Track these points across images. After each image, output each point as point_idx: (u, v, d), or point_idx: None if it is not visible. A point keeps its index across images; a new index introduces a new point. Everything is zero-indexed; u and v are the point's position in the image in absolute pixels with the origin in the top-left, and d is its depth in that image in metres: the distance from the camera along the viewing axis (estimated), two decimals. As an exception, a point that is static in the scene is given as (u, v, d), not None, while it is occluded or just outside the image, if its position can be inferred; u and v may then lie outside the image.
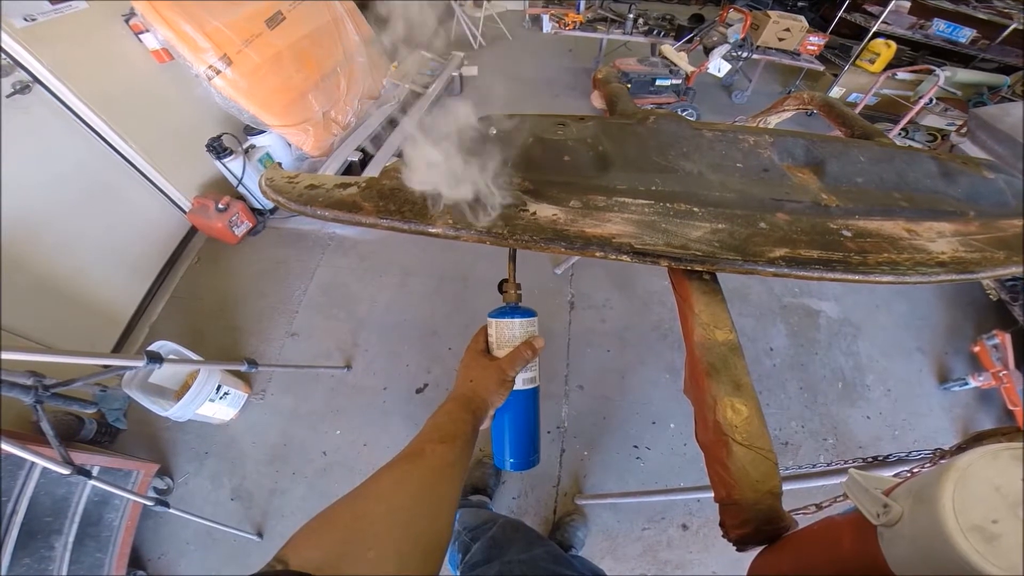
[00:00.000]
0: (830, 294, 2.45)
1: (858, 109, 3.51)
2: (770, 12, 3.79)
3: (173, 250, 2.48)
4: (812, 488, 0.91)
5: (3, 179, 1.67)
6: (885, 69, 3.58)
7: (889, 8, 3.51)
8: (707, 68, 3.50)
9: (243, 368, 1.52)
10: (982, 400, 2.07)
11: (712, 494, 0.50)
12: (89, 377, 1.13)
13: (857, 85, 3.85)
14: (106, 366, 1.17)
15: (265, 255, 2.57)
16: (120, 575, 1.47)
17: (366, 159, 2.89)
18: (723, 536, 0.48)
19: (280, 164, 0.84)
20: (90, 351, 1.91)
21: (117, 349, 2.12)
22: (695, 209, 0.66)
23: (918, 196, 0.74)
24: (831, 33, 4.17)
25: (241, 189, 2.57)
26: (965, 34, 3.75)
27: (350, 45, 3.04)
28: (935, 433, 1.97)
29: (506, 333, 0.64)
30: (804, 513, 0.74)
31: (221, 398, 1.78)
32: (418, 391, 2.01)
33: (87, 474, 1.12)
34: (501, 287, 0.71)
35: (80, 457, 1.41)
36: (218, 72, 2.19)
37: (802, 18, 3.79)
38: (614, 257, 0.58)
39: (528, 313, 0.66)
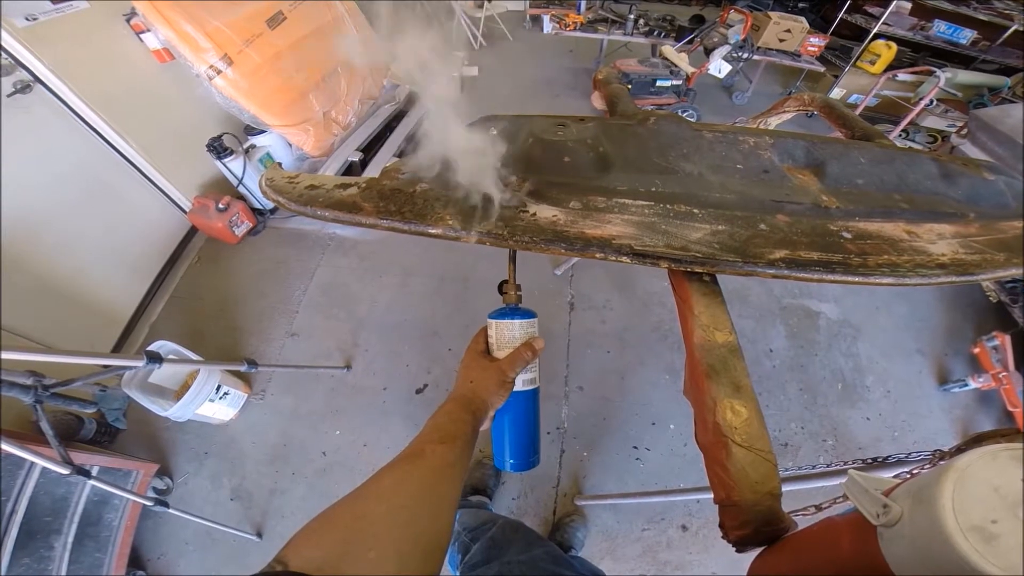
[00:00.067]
0: (830, 295, 2.45)
1: (858, 110, 3.51)
2: (771, 13, 3.80)
3: (173, 250, 2.48)
4: (812, 489, 0.91)
5: (3, 179, 1.67)
6: (885, 70, 3.58)
7: (890, 9, 3.52)
8: (708, 69, 3.51)
9: (243, 368, 1.52)
10: (982, 401, 2.07)
11: (712, 495, 0.50)
12: (89, 377, 1.13)
13: (858, 86, 3.85)
14: (106, 366, 1.17)
15: (265, 255, 2.57)
16: (119, 575, 1.47)
17: (366, 159, 2.89)
18: (722, 537, 0.48)
19: (280, 164, 0.84)
20: (90, 351, 1.91)
21: (117, 349, 2.12)
22: (695, 210, 0.66)
23: (918, 198, 0.74)
24: (832, 34, 4.18)
25: (241, 189, 2.57)
26: (966, 35, 3.76)
27: (350, 45, 3.04)
28: (935, 434, 1.97)
29: (506, 334, 0.64)
30: (804, 514, 0.75)
31: (221, 398, 1.78)
32: (418, 391, 2.01)
33: (86, 474, 1.12)
34: (501, 288, 0.71)
35: (80, 457, 1.41)
36: (219, 72, 2.19)
37: (803, 19, 3.79)
38: (614, 258, 0.58)
39: (528, 314, 0.66)
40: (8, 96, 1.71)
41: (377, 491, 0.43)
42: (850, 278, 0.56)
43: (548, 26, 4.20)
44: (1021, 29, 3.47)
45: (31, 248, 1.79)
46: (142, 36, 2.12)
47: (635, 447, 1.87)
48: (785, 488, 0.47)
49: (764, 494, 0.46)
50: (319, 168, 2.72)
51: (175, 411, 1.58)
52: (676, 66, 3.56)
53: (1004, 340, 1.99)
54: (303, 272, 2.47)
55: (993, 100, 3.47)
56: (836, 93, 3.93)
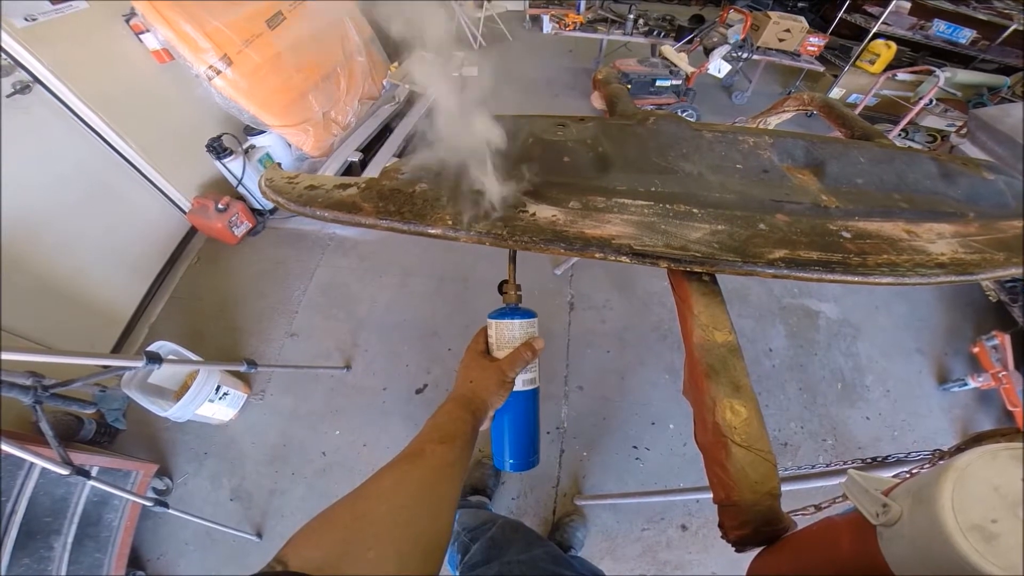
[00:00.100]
0: (829, 295, 2.46)
1: (858, 110, 3.51)
2: (770, 13, 3.79)
3: (173, 250, 2.48)
4: (811, 489, 0.91)
5: (3, 179, 1.67)
6: (885, 70, 3.58)
7: (889, 9, 3.52)
8: (707, 69, 3.50)
9: (242, 368, 1.52)
10: (981, 401, 2.07)
11: (711, 495, 0.50)
12: (88, 377, 1.13)
13: (857, 86, 3.85)
14: (105, 366, 1.17)
15: (265, 255, 2.57)
16: (119, 575, 1.47)
17: (366, 160, 2.89)
18: (722, 537, 0.48)
19: (280, 164, 0.84)
20: (89, 351, 1.91)
21: (116, 349, 2.12)
22: (695, 210, 0.66)
23: (918, 197, 0.74)
24: (831, 34, 4.17)
25: (241, 189, 2.57)
26: (965, 35, 3.76)
27: (350, 45, 3.04)
28: (934, 434, 1.97)
29: (506, 334, 0.64)
30: (803, 514, 0.75)
31: (220, 398, 1.78)
32: (418, 391, 2.01)
33: (86, 474, 1.12)
34: (501, 288, 0.71)
35: (79, 457, 1.41)
36: (218, 72, 2.19)
37: (802, 19, 3.79)
38: (613, 258, 0.58)
39: (528, 314, 0.66)
40: (7, 97, 1.70)
41: (377, 491, 0.43)
42: (849, 278, 0.56)
43: (548, 26, 4.20)
44: (1020, 28, 3.47)
45: (31, 248, 1.79)
46: (141, 36, 2.12)
47: (635, 447, 1.87)
48: (784, 488, 0.47)
49: (763, 494, 0.46)
50: (319, 168, 2.72)
51: (175, 411, 1.58)
52: (676, 66, 3.56)
53: (1004, 339, 1.99)
54: (303, 272, 2.47)
55: (992, 99, 3.47)
56: (836, 93, 3.93)
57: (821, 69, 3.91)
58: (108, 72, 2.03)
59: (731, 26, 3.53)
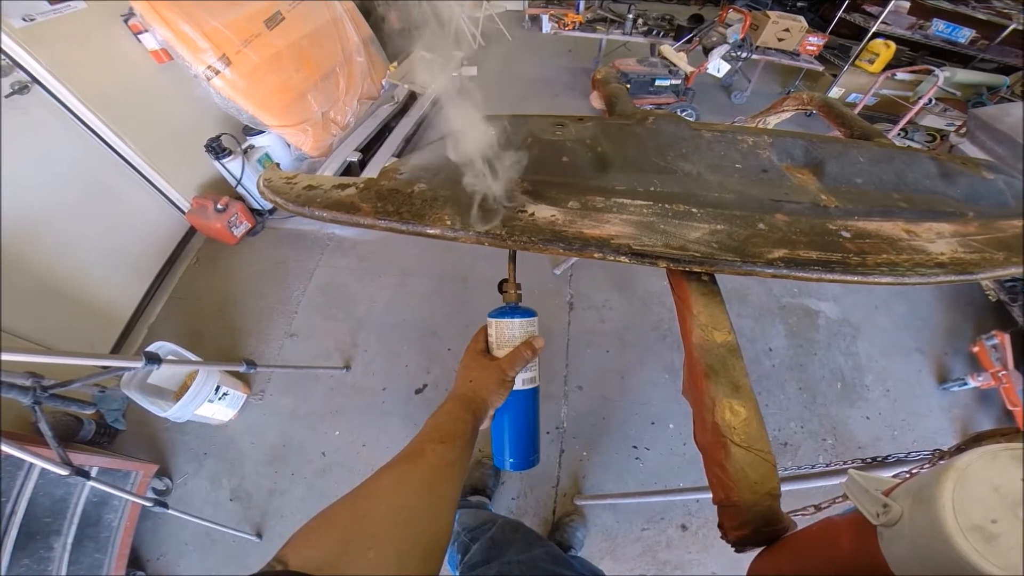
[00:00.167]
0: (829, 294, 2.46)
1: (857, 109, 3.51)
2: (769, 12, 3.80)
3: (172, 250, 2.48)
4: (811, 489, 0.91)
5: (3, 179, 1.67)
6: (884, 69, 3.58)
7: (888, 8, 3.51)
8: (706, 68, 3.50)
9: (242, 369, 1.52)
10: (981, 400, 2.08)
11: (711, 495, 0.50)
12: (88, 378, 1.13)
13: (856, 85, 3.85)
14: (105, 367, 1.17)
15: (264, 255, 2.57)
16: (119, 575, 1.47)
17: (365, 160, 2.89)
18: (722, 537, 0.48)
19: (278, 165, 0.84)
20: (89, 352, 1.92)
21: (116, 350, 2.12)
22: (694, 210, 0.66)
23: (917, 197, 0.74)
24: (830, 33, 4.17)
25: (240, 189, 2.57)
26: (964, 34, 3.76)
27: (349, 45, 3.04)
28: (934, 433, 1.97)
29: (506, 333, 0.64)
30: (803, 514, 0.75)
31: (220, 399, 1.78)
32: (417, 392, 2.01)
33: (86, 475, 1.12)
34: (501, 287, 0.71)
35: (79, 458, 1.41)
36: (217, 72, 2.19)
37: (801, 18, 3.79)
38: (612, 258, 0.58)
39: (528, 313, 0.66)
40: (6, 97, 1.70)
41: (377, 490, 0.43)
42: (849, 277, 0.56)
43: (547, 26, 4.20)
44: (1020, 28, 3.47)
45: (30, 248, 1.79)
46: (140, 36, 2.12)
47: (635, 447, 1.87)
48: (784, 488, 0.47)
49: (763, 494, 0.46)
50: (317, 168, 2.72)
51: (174, 412, 1.58)
52: (675, 65, 3.56)
53: (1003, 339, 1.99)
54: (302, 272, 2.47)
55: (992, 99, 3.47)
56: (835, 92, 3.93)
57: (820, 68, 3.91)
58: (107, 72, 2.03)
59: (730, 25, 3.53)
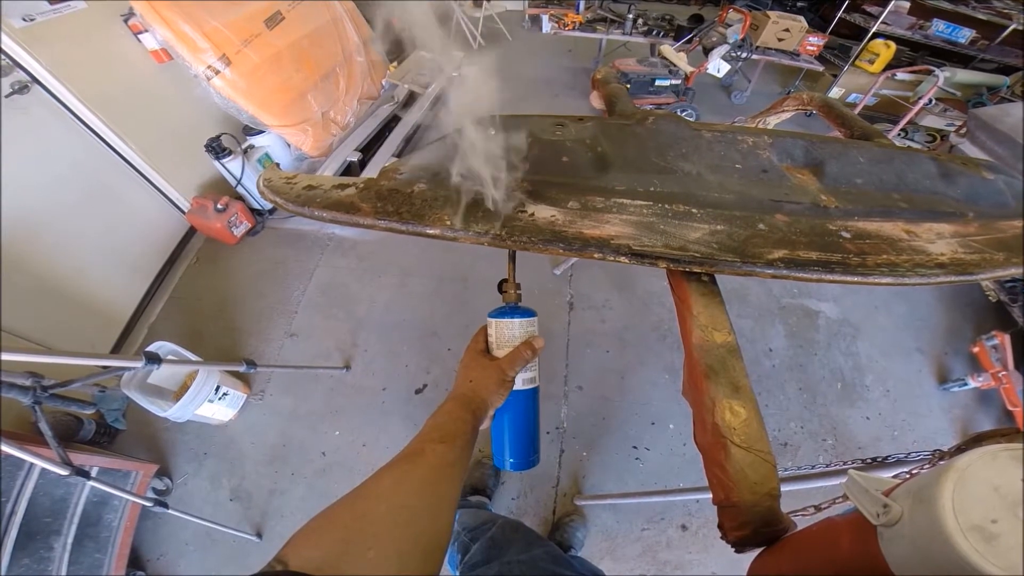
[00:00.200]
0: (829, 295, 2.46)
1: (857, 110, 3.51)
2: (769, 12, 3.80)
3: (172, 250, 2.48)
4: (811, 489, 0.91)
5: (3, 179, 1.67)
6: (884, 69, 3.58)
7: (888, 8, 3.52)
8: (706, 68, 3.50)
9: (242, 369, 1.52)
10: (981, 401, 2.08)
11: (711, 495, 0.50)
12: (88, 378, 1.13)
13: (856, 85, 3.85)
14: (105, 367, 1.17)
15: (264, 255, 2.57)
16: (119, 575, 1.47)
17: (365, 160, 2.89)
18: (721, 538, 0.48)
19: (278, 165, 0.84)
20: (89, 352, 1.92)
21: (116, 350, 2.12)
22: (694, 210, 0.66)
23: (917, 197, 0.74)
24: (830, 33, 4.17)
25: (240, 189, 2.57)
26: (964, 34, 3.76)
27: (349, 45, 3.04)
28: (934, 434, 1.97)
29: (506, 333, 0.64)
30: (803, 515, 0.75)
31: (220, 399, 1.78)
32: (417, 391, 2.01)
33: (86, 475, 1.12)
34: (501, 287, 0.71)
35: (79, 458, 1.41)
36: (217, 72, 2.19)
37: (801, 18, 3.79)
38: (612, 258, 0.58)
39: (528, 313, 0.66)
40: (6, 97, 1.70)
41: (377, 490, 0.43)
42: (849, 278, 0.56)
43: (547, 26, 4.19)
44: (1020, 28, 3.47)
45: (31, 248, 1.79)
46: (140, 36, 2.12)
47: (635, 447, 1.87)
48: (784, 488, 0.47)
49: (763, 495, 0.46)
50: (317, 168, 2.72)
51: (174, 412, 1.58)
52: (675, 65, 3.56)
53: (1003, 339, 1.99)
54: (302, 272, 2.47)
55: (992, 99, 3.47)
56: (835, 92, 3.93)
57: (820, 69, 3.91)
58: (106, 72, 2.03)
59: (730, 26, 3.53)
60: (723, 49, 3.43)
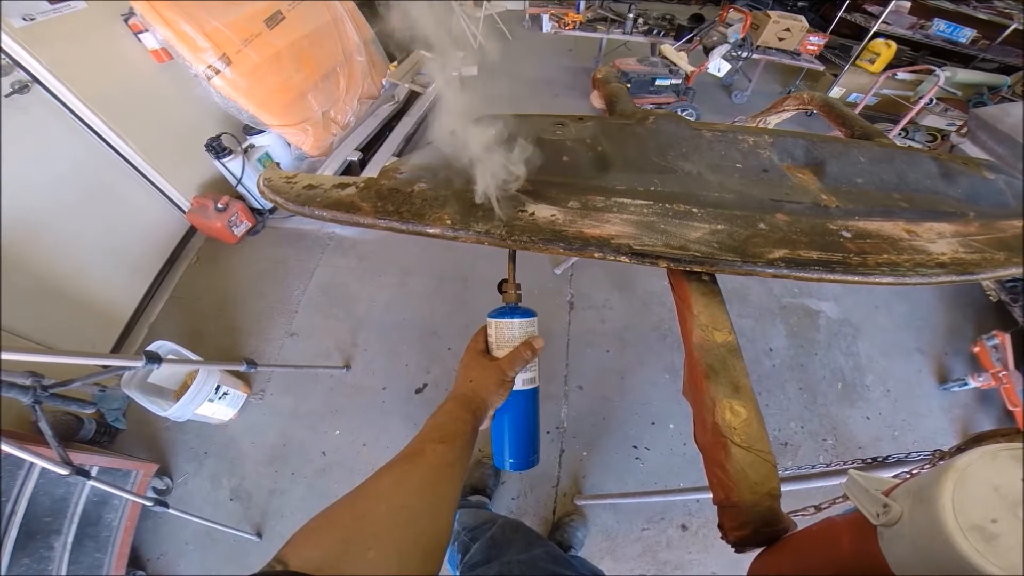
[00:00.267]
0: (829, 294, 2.45)
1: (858, 109, 3.51)
2: (770, 12, 3.79)
3: (172, 250, 2.48)
4: (811, 489, 0.91)
5: (3, 179, 1.67)
6: (885, 69, 3.58)
7: (889, 8, 3.51)
8: (707, 68, 3.50)
9: (242, 368, 1.52)
10: (982, 401, 2.07)
11: (711, 495, 0.50)
12: (88, 377, 1.13)
13: (857, 85, 3.85)
14: (105, 366, 1.17)
15: (264, 255, 2.57)
16: (119, 575, 1.47)
17: (365, 159, 2.89)
18: (722, 538, 0.48)
19: (279, 164, 0.84)
20: (89, 351, 1.91)
21: (116, 349, 2.12)
22: (694, 210, 0.66)
23: (918, 197, 0.74)
24: (831, 33, 4.17)
25: (240, 189, 2.56)
26: (965, 34, 3.76)
27: (350, 45, 3.04)
28: (935, 434, 1.97)
29: (506, 333, 0.64)
30: (803, 515, 0.75)
31: (220, 398, 1.78)
32: (417, 391, 2.01)
33: (86, 474, 1.12)
34: (501, 287, 0.71)
35: (79, 457, 1.41)
36: (217, 72, 2.19)
37: (802, 18, 3.79)
38: (613, 258, 0.58)
39: (528, 313, 0.66)
40: (6, 96, 1.70)
41: (377, 490, 0.43)
42: (850, 277, 0.56)
43: (547, 25, 4.19)
44: (1021, 28, 3.47)
45: (31, 248, 1.79)
46: (140, 36, 2.12)
47: (635, 447, 1.87)
48: (784, 488, 0.47)
49: (763, 495, 0.46)
50: (318, 168, 2.72)
51: (174, 411, 1.58)
52: (675, 65, 3.56)
53: (1004, 339, 1.99)
54: (302, 272, 2.47)
55: (993, 99, 3.47)
56: (835, 92, 3.93)
57: (821, 68, 3.91)
58: (106, 72, 2.03)
59: (731, 25, 3.52)
60: (724, 48, 3.43)
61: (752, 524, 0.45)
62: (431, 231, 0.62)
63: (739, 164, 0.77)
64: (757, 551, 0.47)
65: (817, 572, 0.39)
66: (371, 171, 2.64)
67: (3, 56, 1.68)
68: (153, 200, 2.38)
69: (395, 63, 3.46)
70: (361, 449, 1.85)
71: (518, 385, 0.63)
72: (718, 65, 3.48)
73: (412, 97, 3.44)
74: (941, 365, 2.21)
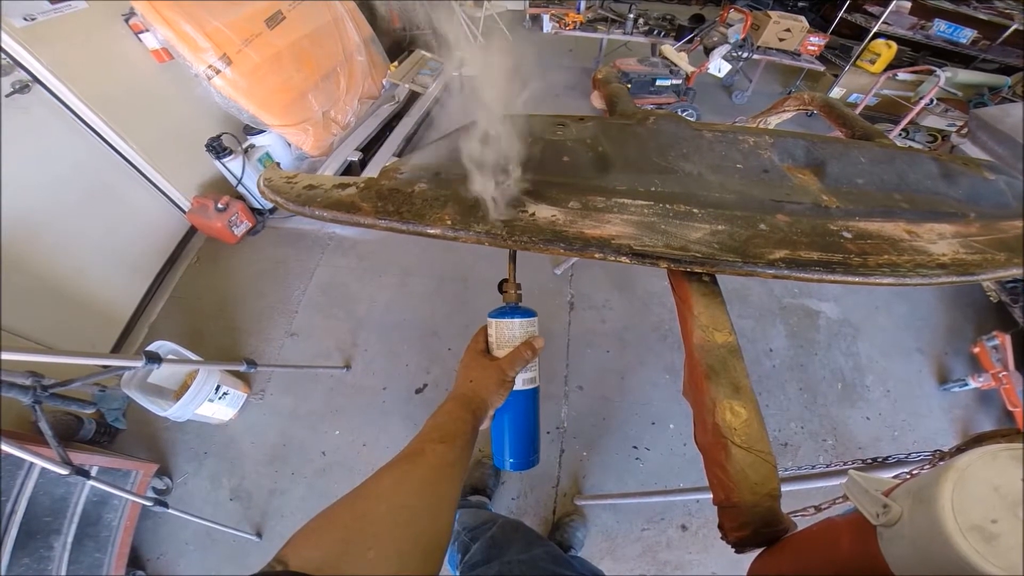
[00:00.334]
0: (830, 295, 2.45)
1: (858, 110, 3.51)
2: (771, 12, 3.79)
3: (172, 250, 2.48)
4: (811, 489, 0.91)
5: (3, 179, 1.67)
6: (886, 70, 3.58)
7: (890, 8, 3.51)
8: (707, 68, 3.50)
9: (242, 368, 1.52)
10: (982, 401, 2.07)
11: (711, 496, 0.50)
12: (88, 377, 1.13)
13: (858, 85, 3.85)
14: (105, 366, 1.17)
15: (264, 255, 2.57)
16: (119, 575, 1.47)
17: (366, 159, 2.89)
18: (722, 538, 0.48)
19: (279, 164, 0.84)
20: (89, 351, 1.91)
21: (116, 349, 2.12)
22: (695, 210, 0.66)
23: (919, 197, 0.74)
24: (832, 33, 4.17)
25: (240, 189, 2.57)
26: (966, 35, 3.76)
27: (350, 45, 3.04)
28: (935, 434, 1.97)
29: (506, 333, 0.64)
30: (803, 515, 0.75)
31: (220, 398, 1.78)
32: (417, 391, 2.01)
33: (86, 474, 1.12)
34: (501, 287, 0.71)
35: (79, 457, 1.41)
36: (218, 72, 2.19)
37: (802, 18, 3.79)
38: (613, 258, 0.58)
39: (528, 313, 0.66)
40: (7, 96, 1.70)
41: (377, 490, 0.43)
42: (850, 278, 0.56)
43: (548, 25, 4.19)
44: (1021, 28, 3.47)
45: (31, 248, 1.79)
46: (141, 36, 2.12)
47: (635, 447, 1.87)
48: (784, 488, 0.47)
49: (763, 495, 0.45)
50: (318, 168, 2.72)
51: (174, 411, 1.58)
52: (676, 65, 3.56)
53: (1004, 340, 1.99)
54: (302, 272, 2.47)
55: (993, 99, 3.47)
56: (836, 92, 3.93)
57: (821, 69, 3.91)
58: (107, 72, 2.03)
59: (731, 25, 3.52)
60: (724, 49, 3.43)
61: (752, 525, 0.45)
62: (431, 231, 0.62)
63: (740, 164, 0.77)
64: (757, 551, 0.47)
65: (817, 572, 0.39)
66: (371, 171, 2.64)
67: (4, 56, 1.68)
68: (153, 200, 2.38)
69: (395, 63, 3.46)
70: (361, 449, 1.85)
71: (518, 385, 0.63)
72: (718, 65, 3.47)
73: (412, 97, 3.44)
74: (941, 365, 2.21)
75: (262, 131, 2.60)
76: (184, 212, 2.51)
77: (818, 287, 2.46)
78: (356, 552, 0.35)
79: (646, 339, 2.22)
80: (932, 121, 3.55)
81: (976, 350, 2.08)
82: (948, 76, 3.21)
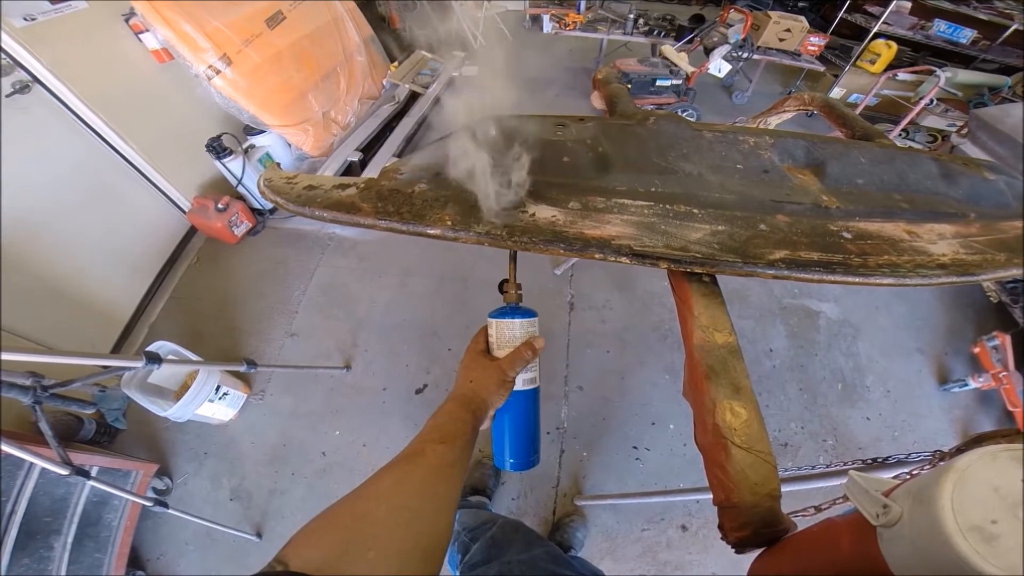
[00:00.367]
0: (830, 295, 2.45)
1: (858, 110, 3.51)
2: (771, 12, 3.80)
3: (172, 250, 2.48)
4: (811, 490, 0.91)
5: (3, 179, 1.67)
6: (886, 70, 3.58)
7: (890, 9, 3.52)
8: (707, 69, 3.50)
9: (242, 368, 1.52)
10: (982, 401, 2.07)
11: (711, 496, 0.50)
12: (88, 377, 1.13)
13: (858, 86, 3.85)
14: (105, 366, 1.17)
15: (264, 255, 2.57)
16: (119, 575, 1.47)
17: (366, 160, 2.89)
18: (722, 539, 0.48)
19: (279, 164, 0.84)
20: (89, 351, 1.92)
21: (116, 349, 2.12)
22: (695, 211, 0.66)
23: (919, 198, 0.74)
24: (832, 34, 4.18)
25: (241, 189, 2.57)
26: (966, 35, 3.76)
27: (350, 45, 3.04)
28: (935, 434, 1.97)
29: (506, 333, 0.64)
30: (803, 515, 0.75)
31: (220, 398, 1.78)
32: (418, 392, 2.01)
33: (86, 474, 1.12)
34: (501, 287, 0.71)
35: (79, 457, 1.41)
36: (218, 72, 2.19)
37: (803, 18, 3.79)
38: (613, 259, 0.58)
39: (528, 313, 0.66)
40: (7, 96, 1.70)
41: (377, 491, 0.43)
42: (850, 278, 0.56)
43: (548, 26, 4.20)
44: (1021, 28, 3.47)
45: (31, 248, 1.79)
46: (141, 36, 2.12)
47: (635, 447, 1.87)
48: (785, 489, 0.47)
49: (763, 496, 0.46)
50: (318, 168, 2.72)
51: (174, 411, 1.58)
52: (676, 66, 3.56)
53: (1004, 340, 1.99)
54: (302, 272, 2.47)
55: (993, 99, 3.47)
56: (836, 92, 3.93)
57: (821, 69, 3.91)
58: (107, 72, 2.03)
59: (731, 26, 3.53)
60: (724, 49, 3.43)
61: (752, 525, 0.45)
62: (432, 232, 0.62)
63: (740, 165, 0.77)
64: (757, 552, 0.47)
65: (817, 573, 0.39)
66: (371, 172, 2.64)
67: (4, 56, 1.68)
68: (153, 200, 2.38)
69: (395, 63, 3.46)
70: (361, 449, 1.85)
71: (519, 385, 0.63)
72: (719, 66, 3.48)
73: (412, 97, 3.44)
74: (941, 366, 2.21)
75: (262, 131, 2.60)
76: (184, 212, 2.51)
77: (818, 287, 2.46)
78: (356, 552, 0.35)
79: (646, 339, 2.22)
80: (932, 121, 3.55)
81: (976, 350, 2.08)
82: (948, 76, 3.21)
